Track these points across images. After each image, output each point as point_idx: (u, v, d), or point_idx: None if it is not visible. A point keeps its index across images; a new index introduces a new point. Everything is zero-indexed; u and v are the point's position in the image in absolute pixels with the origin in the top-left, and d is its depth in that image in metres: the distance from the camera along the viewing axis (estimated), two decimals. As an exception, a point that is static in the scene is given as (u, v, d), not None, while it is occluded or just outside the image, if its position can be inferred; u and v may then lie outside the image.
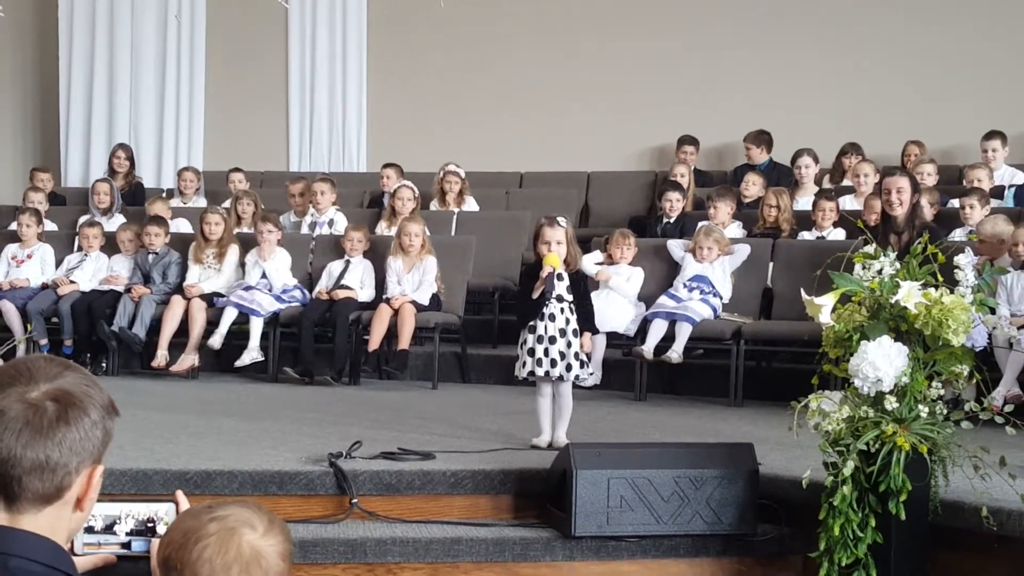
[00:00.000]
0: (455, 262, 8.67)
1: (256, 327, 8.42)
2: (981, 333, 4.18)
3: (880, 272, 4.20)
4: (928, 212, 7.64)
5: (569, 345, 5.51)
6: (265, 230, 8.72)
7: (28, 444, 1.79)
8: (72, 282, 8.95)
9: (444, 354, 8.41)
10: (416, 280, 8.35)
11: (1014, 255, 6.92)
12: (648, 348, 7.52)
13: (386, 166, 10.55)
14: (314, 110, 12.51)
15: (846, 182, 9.76)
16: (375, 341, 8.12)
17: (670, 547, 4.65)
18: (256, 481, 4.79)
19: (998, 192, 8.94)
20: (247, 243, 8.94)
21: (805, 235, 8.44)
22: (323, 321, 8.41)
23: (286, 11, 12.16)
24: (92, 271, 9.11)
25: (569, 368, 5.51)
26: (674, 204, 9.19)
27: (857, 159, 9.70)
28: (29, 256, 9.23)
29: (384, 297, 8.35)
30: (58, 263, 9.28)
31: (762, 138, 10.60)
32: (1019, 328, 6.31)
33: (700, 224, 8.48)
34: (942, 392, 4.13)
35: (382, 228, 9.37)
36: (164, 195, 10.94)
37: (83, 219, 9.90)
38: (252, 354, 8.41)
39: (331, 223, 9.47)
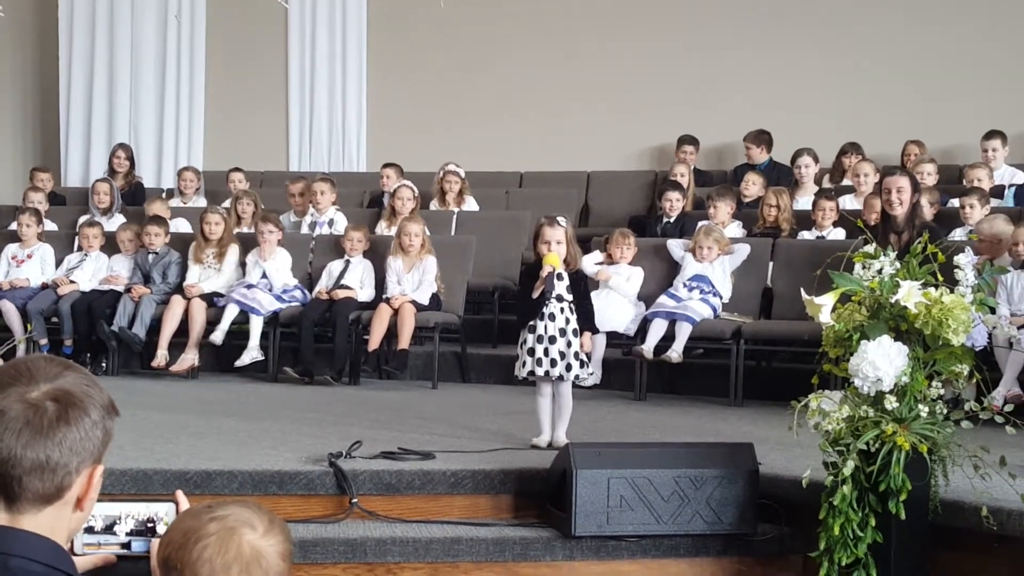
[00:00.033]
0: (455, 262, 8.67)
1: (256, 326, 8.42)
2: (981, 333, 4.18)
3: (880, 272, 4.20)
4: (928, 212, 7.64)
5: (569, 345, 5.51)
6: (266, 230, 8.72)
7: (28, 444, 1.79)
8: (72, 282, 8.95)
9: (444, 354, 8.41)
10: (416, 280, 8.35)
11: (1014, 255, 6.92)
12: (648, 348, 7.52)
13: (386, 166, 10.55)
14: (314, 110, 12.51)
15: (846, 182, 9.77)
16: (375, 341, 8.12)
17: (670, 547, 4.65)
18: (256, 481, 4.79)
19: (998, 192, 8.94)
20: (247, 243, 8.94)
21: (805, 235, 8.44)
22: (323, 321, 8.41)
23: (286, 11, 12.16)
24: (92, 271, 9.11)
25: (569, 368, 5.51)
26: (674, 204, 9.19)
27: (857, 159, 9.70)
28: (29, 256, 9.23)
29: (384, 297, 8.35)
30: (58, 263, 9.28)
31: (762, 138, 10.60)
32: (1019, 328, 6.31)
33: (700, 224, 8.48)
34: (942, 392, 4.13)
35: (382, 228, 9.37)
36: (164, 195, 10.95)
37: (83, 219, 9.90)
38: (252, 353, 8.41)
39: (331, 223, 9.47)
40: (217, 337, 8.45)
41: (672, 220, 9.16)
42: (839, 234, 8.24)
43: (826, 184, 9.93)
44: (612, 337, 7.81)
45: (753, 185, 9.66)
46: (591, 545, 4.59)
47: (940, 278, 4.16)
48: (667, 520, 4.60)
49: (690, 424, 6.61)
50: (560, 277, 5.54)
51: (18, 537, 1.81)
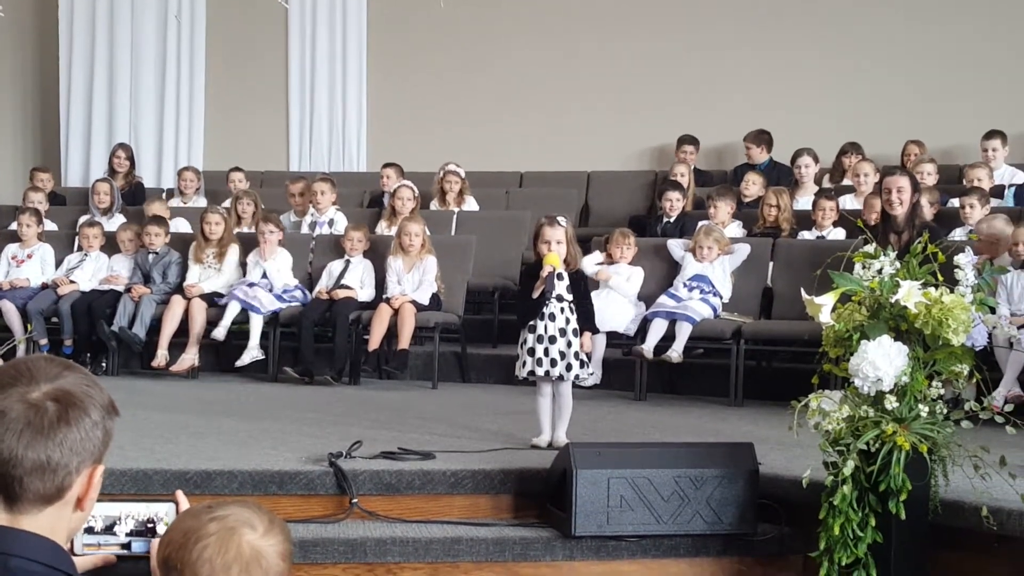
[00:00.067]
0: (455, 262, 8.67)
1: (256, 325, 8.42)
2: (981, 333, 4.18)
3: (880, 271, 4.20)
4: (928, 212, 7.65)
5: (569, 345, 5.51)
6: (267, 230, 8.72)
7: (29, 445, 1.79)
8: (72, 282, 8.95)
9: (444, 354, 8.41)
10: (416, 280, 8.35)
11: (1014, 254, 6.92)
12: (648, 348, 7.52)
13: (386, 166, 10.55)
14: (314, 110, 12.51)
15: (846, 182, 9.77)
16: (375, 341, 8.12)
17: (670, 547, 4.65)
18: (256, 481, 4.79)
19: (998, 192, 8.94)
20: (247, 243, 8.94)
21: (805, 235, 8.44)
22: (323, 321, 8.41)
23: (286, 11, 12.16)
24: (92, 271, 9.11)
25: (569, 368, 5.51)
26: (674, 204, 9.19)
27: (857, 159, 9.70)
28: (29, 256, 9.23)
29: (384, 297, 8.35)
30: (58, 263, 9.28)
31: (762, 138, 10.60)
32: (1019, 328, 6.31)
33: (700, 224, 8.48)
34: (942, 392, 4.13)
35: (382, 228, 9.37)
36: (164, 195, 10.95)
37: (83, 219, 9.90)
38: (252, 352, 8.41)
39: (331, 223, 9.47)
40: (220, 333, 8.45)
41: (672, 220, 9.16)
42: (839, 234, 8.24)
43: (826, 184, 9.93)
44: (612, 337, 7.81)
45: (753, 185, 9.67)
46: (591, 545, 4.59)
47: (940, 278, 4.16)
48: (667, 520, 4.60)
49: (690, 424, 6.61)
50: (560, 277, 5.54)
51: (18, 537, 1.81)
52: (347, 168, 12.30)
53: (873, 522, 4.11)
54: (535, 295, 5.52)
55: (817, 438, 4.26)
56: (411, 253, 8.40)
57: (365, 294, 8.54)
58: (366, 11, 12.44)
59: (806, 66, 11.10)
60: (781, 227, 8.57)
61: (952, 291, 4.11)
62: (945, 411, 4.13)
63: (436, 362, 8.21)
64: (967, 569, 4.35)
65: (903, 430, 4.06)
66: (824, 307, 4.19)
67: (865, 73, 10.92)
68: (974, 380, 4.24)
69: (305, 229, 9.57)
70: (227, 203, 9.89)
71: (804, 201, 9.24)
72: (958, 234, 7.69)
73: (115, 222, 9.82)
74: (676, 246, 8.13)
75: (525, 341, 5.55)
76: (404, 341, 8.03)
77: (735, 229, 8.71)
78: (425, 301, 8.23)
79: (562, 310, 5.52)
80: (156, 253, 8.98)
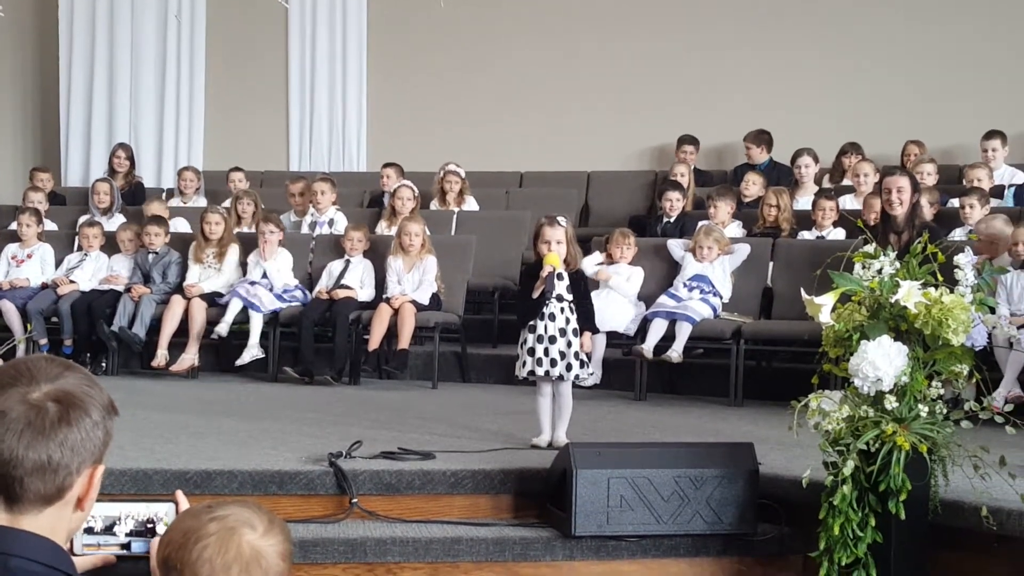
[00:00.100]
0: (455, 262, 8.67)
1: (256, 324, 8.43)
2: (981, 333, 4.18)
3: (880, 272, 4.20)
4: (928, 212, 7.65)
5: (569, 345, 5.51)
6: (267, 231, 8.72)
7: (30, 445, 1.79)
8: (72, 282, 8.95)
9: (444, 354, 8.41)
10: (416, 280, 8.35)
11: (1014, 255, 6.92)
12: (648, 347, 7.52)
13: (386, 166, 10.55)
14: (314, 110, 12.51)
15: (846, 182, 9.77)
16: (375, 341, 8.12)
17: (670, 547, 4.65)
18: (256, 481, 4.79)
19: (998, 192, 8.95)
20: (247, 243, 8.94)
21: (805, 235, 8.45)
22: (323, 321, 8.41)
23: (286, 11, 12.16)
24: (92, 271, 9.11)
25: (569, 368, 5.51)
26: (674, 204, 9.19)
27: (857, 159, 9.70)
28: (29, 256, 9.23)
29: (384, 297, 8.35)
30: (58, 263, 9.28)
31: (762, 138, 10.60)
32: (1019, 328, 6.31)
33: (700, 224, 8.48)
34: (942, 392, 4.13)
35: (382, 228, 9.37)
36: (164, 195, 10.95)
37: (83, 219, 9.90)
38: (252, 352, 8.41)
39: (331, 223, 9.48)
40: (222, 329, 8.45)
41: (672, 220, 9.16)
42: (839, 234, 8.24)
43: (826, 184, 9.93)
44: (612, 337, 7.81)
45: (753, 185, 9.67)
46: (591, 545, 4.59)
47: (940, 278, 4.16)
48: (667, 520, 4.60)
49: (690, 424, 6.61)
50: (560, 277, 5.54)
51: (18, 537, 1.81)
52: (347, 168, 12.30)
53: (873, 522, 4.11)
54: (535, 295, 5.53)
55: (817, 438, 4.26)
56: (411, 253, 8.41)
57: (365, 294, 8.54)
58: (366, 11, 12.44)
59: (806, 66, 11.10)
60: (781, 227, 8.57)
61: (952, 291, 4.11)
62: (945, 411, 4.13)
63: (436, 362, 8.21)
64: (967, 569, 4.35)
65: (903, 430, 4.06)
66: (824, 307, 4.19)
67: (865, 73, 10.92)
68: (974, 380, 4.24)
69: (305, 229, 9.57)
70: (227, 203, 9.89)
71: (804, 201, 9.24)
72: (958, 234, 7.69)
73: (115, 222, 9.82)
74: (676, 246, 8.14)
75: (525, 341, 5.55)
76: (404, 341, 8.03)
77: (735, 229, 8.71)
78: (425, 301, 8.24)
79: (562, 310, 5.53)
80: (156, 253, 8.98)
